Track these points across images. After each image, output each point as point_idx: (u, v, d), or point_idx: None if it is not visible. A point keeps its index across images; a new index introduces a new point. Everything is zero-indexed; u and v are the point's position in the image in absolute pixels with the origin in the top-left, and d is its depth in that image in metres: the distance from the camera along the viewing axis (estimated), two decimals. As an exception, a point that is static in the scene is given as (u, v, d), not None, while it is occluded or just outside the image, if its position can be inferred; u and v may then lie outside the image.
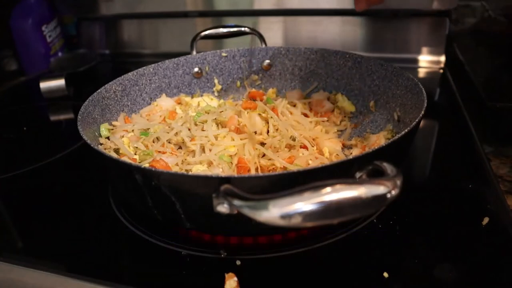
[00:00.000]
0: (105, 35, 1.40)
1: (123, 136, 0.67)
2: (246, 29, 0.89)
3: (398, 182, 0.37)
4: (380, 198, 0.36)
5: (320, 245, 0.52)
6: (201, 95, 0.86)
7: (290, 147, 0.63)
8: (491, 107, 0.68)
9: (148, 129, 0.70)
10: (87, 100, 0.65)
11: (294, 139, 0.63)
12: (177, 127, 0.66)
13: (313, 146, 0.65)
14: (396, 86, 0.69)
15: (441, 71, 1.08)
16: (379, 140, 0.65)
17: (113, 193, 0.65)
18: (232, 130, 0.62)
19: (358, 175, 0.45)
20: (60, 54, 1.37)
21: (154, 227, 0.56)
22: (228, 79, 0.89)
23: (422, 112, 0.54)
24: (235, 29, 0.88)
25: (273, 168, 0.60)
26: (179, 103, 0.81)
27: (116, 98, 0.73)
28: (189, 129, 0.65)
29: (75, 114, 0.98)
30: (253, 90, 0.88)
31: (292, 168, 0.58)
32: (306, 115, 0.74)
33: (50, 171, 0.75)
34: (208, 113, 0.67)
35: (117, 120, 0.72)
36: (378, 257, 0.49)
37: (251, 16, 1.22)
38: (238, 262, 0.49)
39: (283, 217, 0.35)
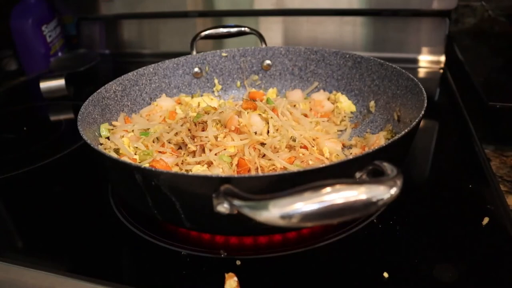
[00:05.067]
0: (105, 35, 1.40)
1: (123, 136, 0.67)
2: (246, 29, 0.89)
3: (398, 182, 0.37)
4: (380, 198, 0.36)
5: (320, 245, 0.52)
6: (201, 95, 0.86)
7: (290, 147, 0.63)
8: (491, 107, 0.68)
9: (148, 129, 0.71)
10: (87, 100, 0.65)
11: (294, 140, 0.63)
12: (177, 127, 0.66)
13: (313, 146, 0.65)
14: (396, 86, 0.69)
15: (441, 71, 1.08)
16: (379, 140, 0.65)
17: (113, 193, 0.65)
18: (232, 130, 0.62)
19: (358, 175, 0.45)
20: (60, 54, 1.37)
21: (154, 227, 0.56)
22: (228, 79, 0.89)
23: (422, 112, 0.54)
24: (235, 29, 0.88)
25: (273, 169, 0.60)
26: (179, 103, 0.81)
27: (116, 98, 0.73)
28: (189, 129, 0.65)
29: (75, 114, 0.98)
30: (253, 90, 0.88)
31: (292, 168, 0.58)
32: (306, 115, 0.74)
33: (50, 171, 0.75)
34: (208, 113, 0.67)
35: (117, 120, 0.72)
36: (378, 257, 0.49)
37: (251, 16, 1.22)
38: (238, 262, 0.49)
39: (283, 217, 0.35)
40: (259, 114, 0.65)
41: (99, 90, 0.69)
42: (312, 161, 0.61)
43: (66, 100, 1.06)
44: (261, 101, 0.72)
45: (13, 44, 1.31)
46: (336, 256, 0.50)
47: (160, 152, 0.64)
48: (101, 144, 0.64)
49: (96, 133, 0.65)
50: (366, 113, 0.77)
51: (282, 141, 0.62)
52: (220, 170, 0.58)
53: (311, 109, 0.78)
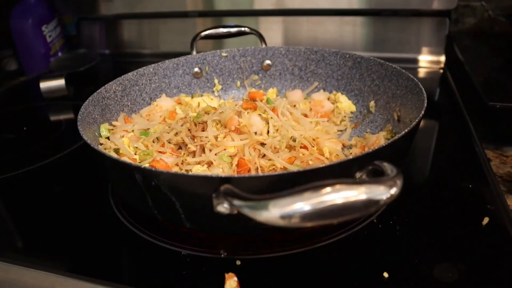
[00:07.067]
0: (105, 35, 1.40)
1: (123, 136, 0.67)
2: (246, 29, 0.89)
3: (398, 182, 0.37)
4: (380, 198, 0.36)
5: (320, 245, 0.52)
6: (201, 95, 0.86)
7: (290, 147, 0.63)
8: (491, 107, 0.68)
9: (148, 129, 0.71)
10: (87, 100, 0.65)
11: (294, 140, 0.63)
12: (177, 127, 0.66)
13: (313, 146, 0.65)
14: (396, 86, 0.69)
15: (441, 71, 1.08)
16: (378, 140, 0.65)
17: (113, 193, 0.65)
18: (232, 130, 0.62)
19: (358, 175, 0.45)
20: (60, 54, 1.37)
21: (154, 227, 0.56)
22: (228, 79, 0.89)
23: (422, 112, 0.54)
24: (235, 29, 0.88)
25: (273, 169, 0.60)
26: (179, 103, 0.81)
27: (116, 98, 0.73)
28: (189, 129, 0.65)
29: (75, 114, 0.98)
30: (253, 90, 0.88)
31: (292, 168, 0.58)
32: (306, 115, 0.74)
33: (50, 171, 0.75)
34: (208, 114, 0.67)
35: (117, 120, 0.72)
36: (378, 257, 0.49)
37: (251, 16, 1.22)
38: (238, 262, 0.49)
39: (283, 217, 0.35)
40: (259, 114, 0.65)
41: (99, 90, 0.69)
42: (312, 161, 0.61)
43: (66, 100, 1.06)
44: (261, 101, 0.72)
45: (13, 44, 1.31)
46: (336, 256, 0.50)
47: (160, 152, 0.64)
48: (101, 144, 0.64)
49: (96, 133, 0.65)
50: (366, 113, 0.77)
51: (282, 141, 0.62)
52: (220, 170, 0.58)
53: (311, 109, 0.78)
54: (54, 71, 1.18)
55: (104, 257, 0.53)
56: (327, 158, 0.64)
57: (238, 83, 0.89)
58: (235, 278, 0.46)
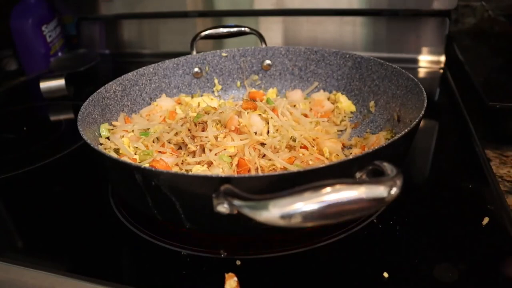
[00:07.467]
0: (105, 35, 1.40)
1: (123, 136, 0.67)
2: (246, 29, 0.89)
3: (398, 182, 0.37)
4: (380, 198, 0.36)
5: (320, 245, 0.52)
6: (201, 95, 0.86)
7: (290, 147, 0.63)
8: (491, 107, 0.68)
9: (148, 129, 0.71)
10: (87, 100, 0.65)
11: (294, 140, 0.63)
12: (177, 127, 0.66)
13: (313, 146, 0.65)
14: (396, 86, 0.69)
15: (441, 71, 1.08)
16: (378, 140, 0.65)
17: (113, 193, 0.65)
18: (232, 130, 0.62)
19: (358, 175, 0.45)
20: (60, 54, 1.37)
21: (154, 227, 0.56)
22: (228, 79, 0.89)
23: (422, 112, 0.54)
24: (235, 29, 0.88)
25: (273, 169, 0.60)
26: (179, 103, 0.81)
27: (116, 98, 0.73)
28: (189, 130, 0.65)
29: (75, 114, 0.98)
30: (253, 90, 0.88)
31: (292, 168, 0.58)
32: (306, 115, 0.74)
33: (50, 171, 0.75)
34: (208, 114, 0.67)
35: (117, 120, 0.72)
36: (378, 257, 0.49)
37: (251, 16, 1.22)
38: (238, 262, 0.49)
39: (283, 217, 0.35)
40: (259, 114, 0.65)
41: (99, 90, 0.69)
42: (312, 161, 0.61)
43: (66, 100, 1.06)
44: (261, 101, 0.72)
45: (13, 44, 1.31)
46: (336, 256, 0.50)
47: (160, 152, 0.64)
48: (101, 144, 0.65)
49: (96, 133, 0.65)
50: (366, 113, 0.77)
51: (282, 141, 0.62)
52: (220, 170, 0.58)
53: (311, 109, 0.78)
54: (54, 71, 1.18)
55: (104, 257, 0.53)
56: (327, 158, 0.64)
57: (238, 83, 0.89)
58: (235, 278, 0.46)
